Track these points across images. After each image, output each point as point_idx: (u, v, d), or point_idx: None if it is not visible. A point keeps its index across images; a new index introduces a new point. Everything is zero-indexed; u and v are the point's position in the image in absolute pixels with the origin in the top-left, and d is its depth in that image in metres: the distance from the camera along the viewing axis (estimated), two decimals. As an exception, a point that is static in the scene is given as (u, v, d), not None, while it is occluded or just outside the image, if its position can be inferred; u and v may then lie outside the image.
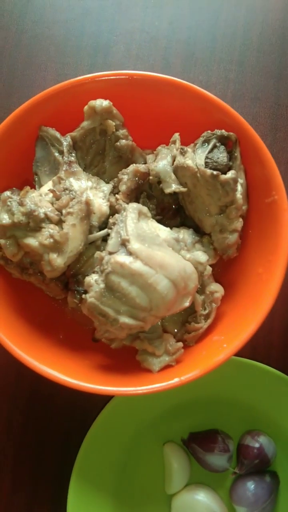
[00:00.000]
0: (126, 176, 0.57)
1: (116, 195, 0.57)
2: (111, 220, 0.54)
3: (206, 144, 0.56)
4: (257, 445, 0.63)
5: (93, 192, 0.56)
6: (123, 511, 0.64)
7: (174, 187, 0.57)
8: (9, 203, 0.52)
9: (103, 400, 0.64)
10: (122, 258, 0.49)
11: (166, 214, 0.60)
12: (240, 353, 0.55)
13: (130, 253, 0.49)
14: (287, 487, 0.65)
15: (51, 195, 0.54)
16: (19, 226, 0.52)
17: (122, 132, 0.59)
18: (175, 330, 0.58)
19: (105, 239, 0.56)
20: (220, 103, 0.56)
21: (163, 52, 0.76)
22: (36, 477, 0.67)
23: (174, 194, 0.58)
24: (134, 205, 0.53)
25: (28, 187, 0.55)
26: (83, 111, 0.57)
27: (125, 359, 0.57)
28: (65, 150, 0.57)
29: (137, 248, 0.49)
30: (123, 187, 0.56)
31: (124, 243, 0.50)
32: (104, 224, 0.56)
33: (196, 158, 0.55)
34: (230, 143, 0.57)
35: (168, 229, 0.55)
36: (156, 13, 0.78)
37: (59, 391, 0.68)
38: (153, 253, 0.49)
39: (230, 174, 0.54)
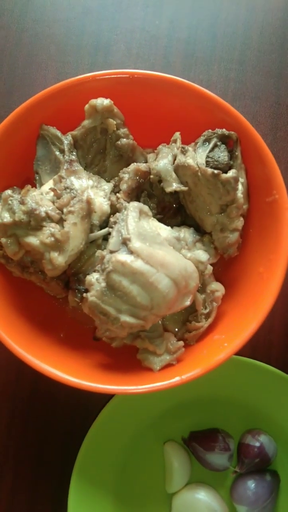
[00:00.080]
0: (127, 175, 0.57)
1: (117, 194, 0.57)
2: (112, 219, 0.54)
3: (207, 143, 0.56)
4: (257, 444, 0.63)
5: (94, 191, 0.56)
6: (124, 510, 0.64)
7: (175, 186, 0.57)
8: (10, 201, 0.52)
9: (104, 399, 0.64)
10: (123, 256, 0.49)
11: (167, 213, 0.60)
12: (240, 352, 0.55)
13: (131, 252, 0.49)
14: (288, 486, 0.65)
15: (52, 193, 0.54)
16: (20, 225, 0.52)
17: (123, 131, 0.59)
18: (176, 329, 0.58)
19: (106, 238, 0.56)
20: (221, 102, 0.56)
21: (164, 51, 0.76)
22: (37, 476, 0.67)
23: (175, 193, 0.58)
24: (135, 204, 0.53)
25: (29, 186, 0.55)
26: (84, 110, 0.57)
27: (126, 358, 0.57)
28: (66, 148, 0.57)
29: (138, 247, 0.49)
30: (124, 186, 0.56)
31: (125, 242, 0.50)
32: (105, 223, 0.56)
33: (197, 157, 0.55)
34: (231, 142, 0.57)
35: (169, 228, 0.55)
36: (157, 12, 0.78)
37: (59, 390, 0.68)
38: (154, 252, 0.49)
39: (231, 173, 0.54)
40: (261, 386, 0.64)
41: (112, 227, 0.53)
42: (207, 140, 0.56)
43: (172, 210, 0.60)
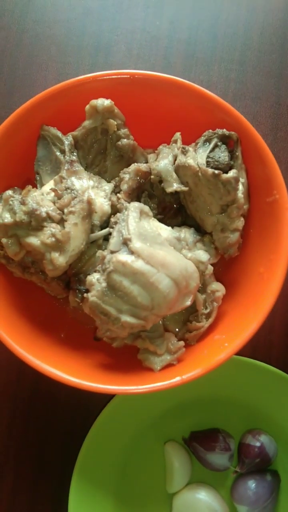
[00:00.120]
0: (127, 175, 0.57)
1: (118, 194, 0.57)
2: (112, 219, 0.54)
3: (208, 143, 0.56)
4: (258, 444, 0.63)
5: (95, 191, 0.56)
6: (124, 510, 0.64)
7: (175, 186, 0.57)
8: (11, 202, 0.52)
9: (105, 399, 0.64)
10: (123, 257, 0.49)
11: (168, 213, 0.60)
12: (240, 352, 0.55)
13: (131, 252, 0.49)
14: (288, 486, 0.65)
15: (53, 194, 0.54)
16: (21, 225, 0.52)
17: (124, 131, 0.59)
18: (177, 329, 0.58)
19: (106, 238, 0.56)
20: (221, 102, 0.56)
21: (164, 52, 0.77)
22: (38, 476, 0.67)
23: (176, 193, 0.58)
24: (135, 204, 0.53)
25: (30, 186, 0.55)
26: (84, 110, 0.57)
27: (127, 358, 0.57)
28: (66, 149, 0.57)
29: (139, 247, 0.49)
30: (124, 186, 0.56)
31: (125, 242, 0.50)
32: (106, 223, 0.56)
33: (197, 157, 0.55)
34: (231, 143, 0.57)
35: (169, 228, 0.55)
36: (157, 13, 0.78)
37: (60, 390, 0.68)
38: (154, 252, 0.49)
39: (232, 173, 0.54)
40: (262, 386, 0.64)
41: (112, 228, 0.53)
42: (208, 140, 0.56)
43: (172, 210, 0.61)
